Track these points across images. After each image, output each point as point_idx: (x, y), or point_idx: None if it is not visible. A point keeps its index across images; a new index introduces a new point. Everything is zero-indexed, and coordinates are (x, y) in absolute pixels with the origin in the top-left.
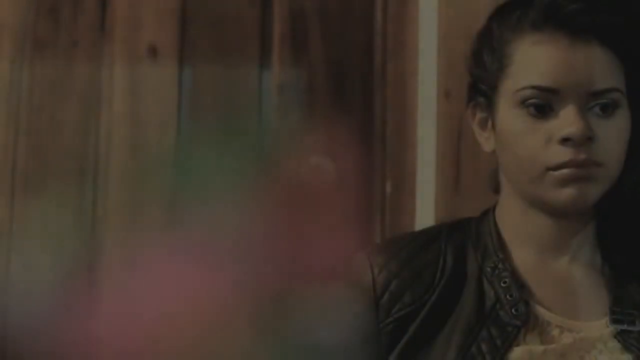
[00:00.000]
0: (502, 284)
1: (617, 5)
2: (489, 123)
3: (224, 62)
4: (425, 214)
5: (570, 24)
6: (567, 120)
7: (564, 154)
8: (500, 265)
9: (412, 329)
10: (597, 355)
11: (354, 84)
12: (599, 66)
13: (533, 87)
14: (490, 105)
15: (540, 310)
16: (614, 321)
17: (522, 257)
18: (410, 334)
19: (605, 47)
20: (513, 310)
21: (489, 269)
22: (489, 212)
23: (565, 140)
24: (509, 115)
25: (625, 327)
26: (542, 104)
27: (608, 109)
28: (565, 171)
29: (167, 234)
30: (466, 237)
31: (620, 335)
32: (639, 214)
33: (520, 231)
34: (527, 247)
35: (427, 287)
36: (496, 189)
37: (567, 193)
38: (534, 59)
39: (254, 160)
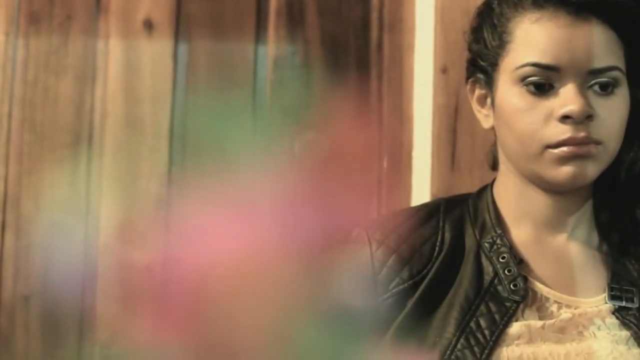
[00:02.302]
0: (501, 260)
1: None
2: (488, 100)
3: (220, 36)
4: (421, 190)
5: (570, 2)
6: (567, 98)
7: (563, 131)
8: (498, 241)
9: (411, 304)
10: (595, 330)
11: (349, 59)
12: (599, 44)
13: (533, 65)
14: (489, 82)
15: (539, 286)
16: (613, 297)
17: (520, 233)
18: (409, 309)
19: (605, 25)
20: (511, 286)
21: (487, 245)
22: (486, 189)
23: (564, 118)
24: (509, 92)
25: (623, 303)
26: (542, 82)
27: (608, 88)
28: (564, 149)
29: (161, 208)
30: (464, 213)
31: (618, 312)
32: (636, 193)
33: (518, 208)
34: (524, 224)
35: (425, 263)
36: (494, 166)
37: (565, 171)
38: (534, 37)
39: (249, 134)
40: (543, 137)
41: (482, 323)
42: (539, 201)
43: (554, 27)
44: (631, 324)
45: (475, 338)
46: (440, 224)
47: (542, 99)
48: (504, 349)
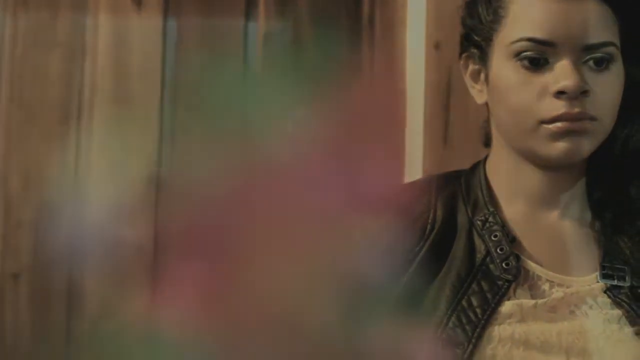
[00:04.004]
0: (493, 238)
1: None
2: (482, 75)
3: (209, 12)
4: (413, 166)
5: None
6: (561, 74)
7: (558, 107)
8: (490, 219)
9: (403, 281)
10: (587, 310)
11: (340, 35)
12: (594, 20)
13: (528, 40)
14: (483, 57)
15: (531, 265)
16: (604, 276)
17: (513, 211)
18: (401, 287)
19: (600, 1)
20: (504, 264)
21: (479, 222)
22: (479, 165)
23: (559, 94)
24: (503, 67)
25: (615, 282)
26: (537, 57)
27: (603, 63)
28: (559, 124)
29: (151, 185)
30: (456, 189)
31: (610, 291)
32: (629, 170)
33: (511, 185)
34: (517, 201)
35: (417, 240)
36: (486, 142)
37: (560, 146)
38: (530, 11)
39: (240, 111)
40: (538, 113)
41: (474, 301)
42: (533, 178)
43: (549, 2)
44: (623, 303)
45: (467, 316)
46: (433, 200)
47: (537, 74)
48: (496, 327)
